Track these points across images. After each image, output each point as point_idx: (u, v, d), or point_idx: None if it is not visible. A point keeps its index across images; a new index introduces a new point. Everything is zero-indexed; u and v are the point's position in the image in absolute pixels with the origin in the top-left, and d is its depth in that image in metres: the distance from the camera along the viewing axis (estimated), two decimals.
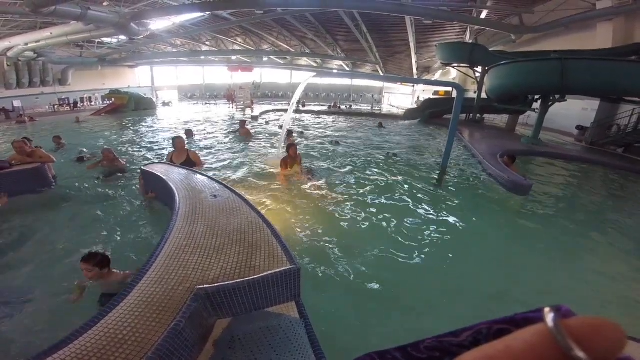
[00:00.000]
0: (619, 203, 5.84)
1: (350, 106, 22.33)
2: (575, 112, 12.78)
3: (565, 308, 0.23)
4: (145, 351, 1.30)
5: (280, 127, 8.67)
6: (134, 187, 4.95)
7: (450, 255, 3.63)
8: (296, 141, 8.86)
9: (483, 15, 13.75)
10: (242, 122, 9.85)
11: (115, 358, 1.27)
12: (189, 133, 9.25)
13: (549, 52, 10.05)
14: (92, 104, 21.51)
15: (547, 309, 0.23)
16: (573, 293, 3.13)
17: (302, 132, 10.74)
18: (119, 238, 3.55)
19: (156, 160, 6.58)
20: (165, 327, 1.42)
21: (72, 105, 19.69)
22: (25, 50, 15.28)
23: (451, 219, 4.51)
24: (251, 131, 9.85)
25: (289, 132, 8.56)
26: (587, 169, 7.95)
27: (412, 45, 18.47)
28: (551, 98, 9.32)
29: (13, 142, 4.72)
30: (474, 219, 4.64)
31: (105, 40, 19.05)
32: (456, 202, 5.16)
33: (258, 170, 6.21)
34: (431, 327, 2.51)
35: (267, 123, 13.27)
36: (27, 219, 3.84)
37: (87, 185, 5.05)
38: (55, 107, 18.77)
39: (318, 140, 9.68)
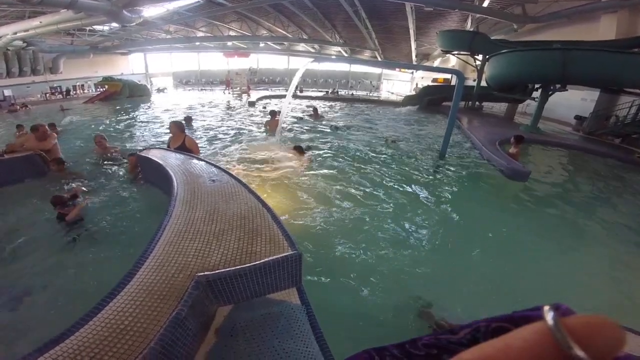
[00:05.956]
0: (614, 191, 5.87)
1: (352, 94, 22.12)
2: (574, 102, 12.72)
3: (565, 306, 0.23)
4: (148, 341, 1.28)
5: (272, 112, 8.59)
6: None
7: (449, 242, 3.65)
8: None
9: (485, 4, 13.48)
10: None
11: (118, 349, 1.24)
12: (188, 120, 9.14)
13: (551, 42, 9.94)
14: (85, 91, 21.09)
15: (546, 308, 0.23)
16: (569, 280, 3.16)
17: (301, 118, 10.67)
18: (116, 225, 3.50)
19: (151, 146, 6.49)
20: (167, 316, 1.40)
21: (64, 93, 19.29)
22: (14, 39, 14.84)
23: (450, 206, 4.52)
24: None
25: (273, 112, 8.51)
26: (584, 158, 7.97)
27: (411, 32, 18.14)
28: (551, 88, 9.27)
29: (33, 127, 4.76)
30: (472, 205, 4.67)
31: (97, 27, 18.49)
32: (455, 188, 5.17)
33: (253, 156, 6.15)
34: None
35: (264, 108, 13.14)
36: (21, 208, 3.77)
37: (82, 173, 4.97)
38: (47, 95, 18.40)
39: (318, 126, 9.60)
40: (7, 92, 16.01)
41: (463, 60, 15.68)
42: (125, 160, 5.31)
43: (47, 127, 4.92)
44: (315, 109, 11.18)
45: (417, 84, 26.58)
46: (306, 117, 10.86)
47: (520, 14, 13.59)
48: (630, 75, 7.64)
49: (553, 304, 0.23)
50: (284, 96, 14.90)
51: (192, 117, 9.76)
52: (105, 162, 5.46)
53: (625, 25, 10.78)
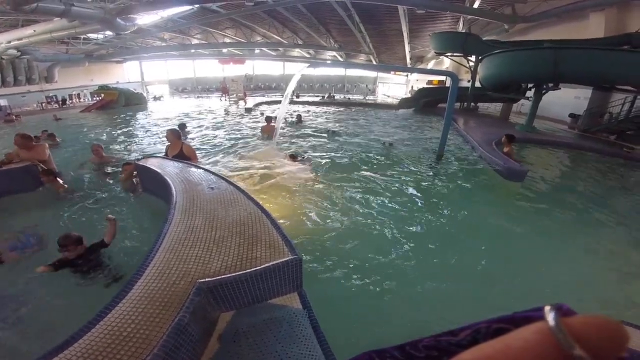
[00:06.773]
0: (610, 187, 5.94)
1: (348, 98, 22.27)
2: (568, 100, 12.89)
3: (566, 307, 0.23)
4: (151, 348, 1.28)
5: (267, 117, 8.74)
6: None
7: (448, 242, 3.67)
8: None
9: (476, 5, 13.68)
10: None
11: (122, 356, 1.25)
12: (182, 127, 9.15)
13: (542, 42, 10.07)
14: (81, 100, 21.06)
15: (547, 308, 0.23)
16: (569, 278, 3.18)
17: (290, 124, 10.73)
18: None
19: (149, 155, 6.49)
20: (169, 323, 1.40)
21: (60, 102, 19.25)
22: (8, 48, 14.82)
23: (448, 207, 4.54)
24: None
25: (268, 118, 8.79)
26: (580, 155, 8.05)
27: (405, 35, 18.33)
28: (544, 86, 9.38)
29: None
30: (470, 205, 4.69)
31: (91, 36, 18.53)
32: (453, 189, 5.20)
33: (250, 162, 6.17)
34: (431, 317, 2.54)
35: (262, 114, 13.19)
36: (21, 218, 3.76)
37: (80, 183, 4.97)
38: (43, 104, 18.35)
39: (314, 131, 9.65)
40: (3, 102, 15.93)
41: (456, 62, 15.83)
42: (117, 170, 5.33)
43: (27, 136, 4.54)
44: (299, 116, 11.41)
45: (412, 87, 26.76)
46: (290, 124, 10.92)
47: (511, 14, 13.78)
48: (620, 72, 7.75)
49: (554, 304, 0.23)
50: (280, 102, 14.98)
51: (186, 125, 9.73)
52: (102, 171, 5.46)
53: (613, 23, 10.98)
